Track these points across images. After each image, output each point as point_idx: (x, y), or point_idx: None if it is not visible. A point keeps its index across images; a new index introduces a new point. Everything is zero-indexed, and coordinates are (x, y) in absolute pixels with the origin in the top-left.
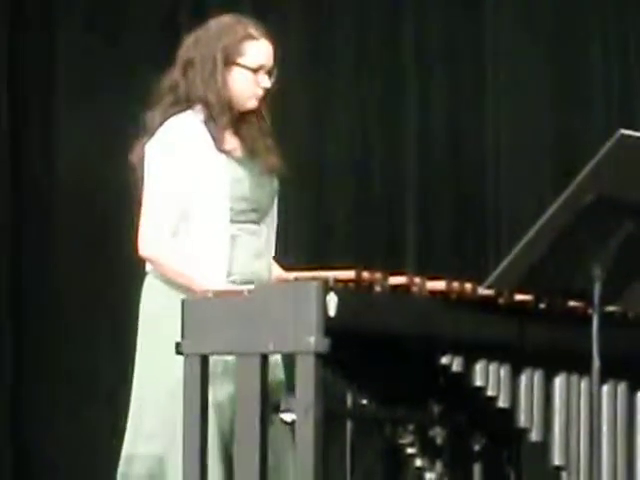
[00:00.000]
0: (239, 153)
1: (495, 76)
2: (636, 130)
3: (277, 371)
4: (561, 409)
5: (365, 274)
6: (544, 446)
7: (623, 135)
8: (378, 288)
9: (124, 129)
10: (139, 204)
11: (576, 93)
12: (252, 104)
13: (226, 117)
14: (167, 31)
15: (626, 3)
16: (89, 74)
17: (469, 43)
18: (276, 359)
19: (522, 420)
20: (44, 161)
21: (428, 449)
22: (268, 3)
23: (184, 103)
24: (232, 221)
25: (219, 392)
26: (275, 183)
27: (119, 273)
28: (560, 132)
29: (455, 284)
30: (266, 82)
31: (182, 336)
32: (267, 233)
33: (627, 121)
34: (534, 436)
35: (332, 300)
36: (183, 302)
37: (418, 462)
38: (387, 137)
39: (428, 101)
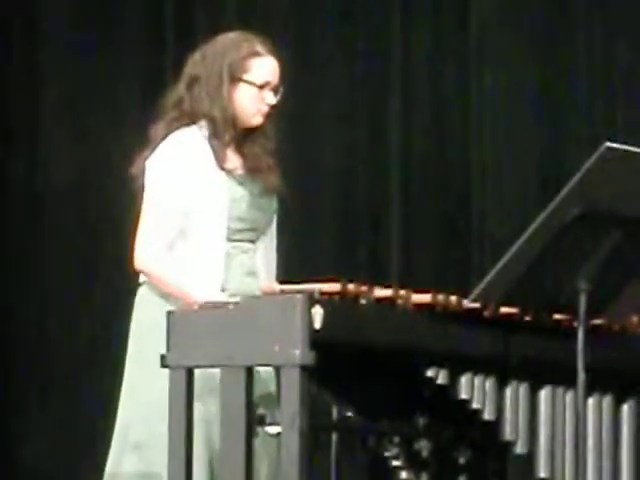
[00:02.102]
0: (240, 171)
1: (479, 91)
2: (621, 143)
3: (268, 384)
4: (547, 422)
5: (350, 287)
6: (530, 458)
7: (608, 148)
8: (363, 301)
9: (121, 141)
10: (137, 216)
11: (561, 107)
12: (257, 121)
13: (230, 134)
14: (153, 47)
15: (612, 17)
16: (75, 89)
17: (454, 57)
18: (268, 371)
19: (508, 433)
20: (31, 173)
21: (413, 462)
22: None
23: (188, 118)
24: (228, 239)
25: (208, 408)
26: (274, 203)
27: (112, 284)
28: (545, 146)
29: (440, 297)
30: (271, 99)
31: (167, 349)
32: (264, 252)
33: (612, 134)
34: (520, 448)
35: (318, 313)
36: (168, 314)
37: (403, 475)
38: (371, 151)
39: (411, 117)
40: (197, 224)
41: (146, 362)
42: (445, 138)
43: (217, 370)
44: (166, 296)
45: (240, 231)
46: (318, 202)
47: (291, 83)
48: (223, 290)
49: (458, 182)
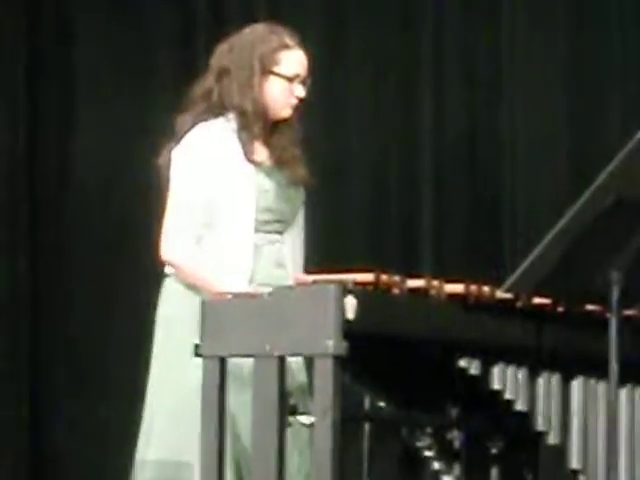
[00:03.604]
0: (267, 163)
1: (511, 74)
2: None
3: (298, 374)
4: (579, 413)
5: (384, 277)
6: (562, 449)
7: None
8: (396, 291)
9: (146, 131)
10: (163, 207)
11: (594, 92)
12: (286, 113)
13: (259, 126)
14: (185, 39)
15: None
16: (107, 79)
17: (486, 41)
18: (298, 362)
19: (540, 423)
20: (60, 162)
21: (445, 452)
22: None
23: (216, 110)
24: (256, 230)
25: (234, 399)
26: (301, 194)
27: (136, 275)
28: (578, 133)
29: (473, 287)
30: (300, 91)
31: (201, 338)
32: (291, 243)
33: None
34: (552, 439)
35: (350, 303)
36: (202, 303)
37: (435, 465)
38: (402, 137)
39: (443, 101)
40: (225, 216)
41: (174, 352)
42: (476, 127)
43: (243, 361)
44: (193, 287)
45: (268, 222)
46: (349, 192)
47: (322, 72)
48: (251, 281)
49: (490, 170)
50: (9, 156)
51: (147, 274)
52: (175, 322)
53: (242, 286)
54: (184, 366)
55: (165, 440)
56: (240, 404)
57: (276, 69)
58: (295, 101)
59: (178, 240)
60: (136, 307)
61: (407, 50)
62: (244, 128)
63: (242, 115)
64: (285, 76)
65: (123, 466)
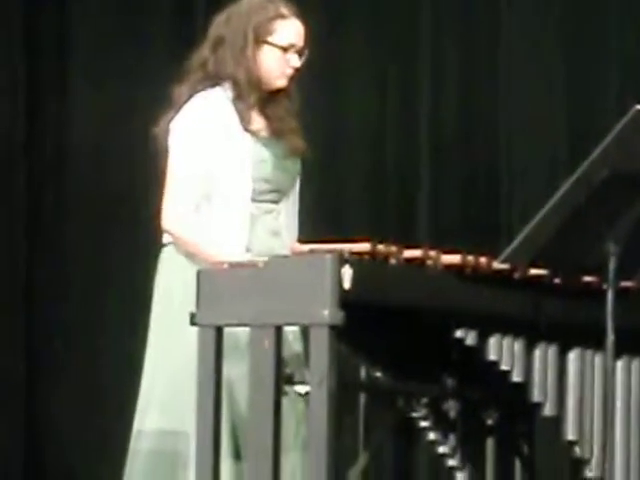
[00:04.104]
0: (264, 133)
1: (508, 53)
2: None
3: (294, 344)
4: (575, 384)
5: (380, 247)
6: (558, 420)
7: (639, 111)
8: (393, 261)
9: (142, 101)
10: (162, 176)
11: (591, 70)
12: (281, 83)
13: (254, 95)
14: (184, 8)
15: None
16: (104, 54)
17: (484, 24)
18: (294, 331)
19: (536, 394)
20: (59, 133)
21: (441, 423)
22: None
23: (213, 80)
24: (252, 200)
25: (231, 368)
26: (298, 165)
27: (135, 243)
28: (574, 109)
29: (470, 258)
30: (296, 61)
31: (197, 307)
32: (286, 213)
33: None
34: (548, 410)
35: (347, 273)
36: (198, 273)
37: (431, 435)
38: (400, 113)
39: (442, 78)
40: (222, 185)
41: (172, 321)
42: (474, 101)
43: (240, 331)
44: (191, 256)
45: (264, 192)
46: (347, 162)
47: (321, 47)
48: (248, 250)
49: (487, 143)
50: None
51: (145, 244)
52: (173, 291)
53: (239, 255)
54: (182, 335)
55: (163, 410)
56: (237, 373)
57: (270, 38)
58: (290, 71)
59: (178, 210)
60: (133, 277)
61: (406, 23)
62: (239, 98)
63: (236, 85)
64: (279, 45)
65: (122, 435)
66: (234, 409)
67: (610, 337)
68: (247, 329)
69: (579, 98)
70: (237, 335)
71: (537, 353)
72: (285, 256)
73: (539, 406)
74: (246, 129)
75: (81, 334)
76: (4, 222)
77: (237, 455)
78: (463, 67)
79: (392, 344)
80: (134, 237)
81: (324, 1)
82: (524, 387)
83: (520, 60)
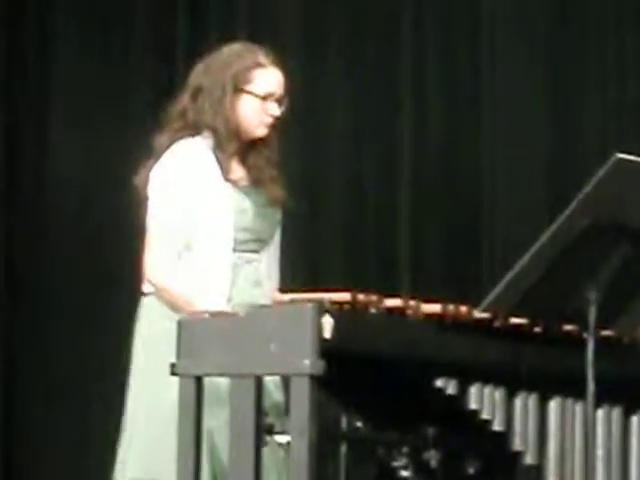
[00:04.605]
0: (244, 182)
1: (491, 94)
2: (632, 153)
3: (275, 393)
4: (556, 433)
5: (361, 296)
6: (539, 470)
7: (619, 159)
8: (373, 310)
9: (124, 150)
10: (141, 226)
11: (572, 114)
12: (261, 132)
13: (233, 145)
14: (165, 56)
15: (624, 20)
16: (85, 98)
17: (466, 61)
18: (275, 381)
19: (517, 443)
20: (38, 180)
21: (422, 472)
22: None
23: (192, 129)
24: (233, 250)
25: (212, 419)
26: (278, 214)
27: (114, 293)
28: (556, 154)
29: (450, 307)
30: (275, 110)
31: (177, 357)
32: (267, 262)
33: (622, 146)
34: (529, 459)
35: (327, 322)
36: (179, 322)
37: None
38: (381, 157)
39: (424, 122)
40: (203, 235)
41: (153, 371)
42: (457, 144)
43: (221, 380)
44: (172, 306)
45: (245, 242)
46: (327, 211)
47: (300, 89)
48: (229, 300)
49: (468, 192)
50: None
51: (125, 293)
52: (153, 341)
53: (221, 306)
54: (162, 385)
55: (143, 460)
56: (219, 423)
57: (249, 87)
58: (269, 120)
59: (161, 261)
60: (114, 325)
61: (387, 66)
62: (218, 147)
63: (215, 134)
64: (258, 94)
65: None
66: (215, 459)
67: (590, 386)
68: (227, 379)
69: (562, 140)
70: (218, 385)
71: (518, 402)
72: (266, 306)
73: (520, 455)
74: (226, 178)
75: (65, 382)
76: None
77: None
78: (445, 109)
79: (373, 393)
80: (117, 285)
81: (304, 45)
82: (505, 436)
83: (503, 104)
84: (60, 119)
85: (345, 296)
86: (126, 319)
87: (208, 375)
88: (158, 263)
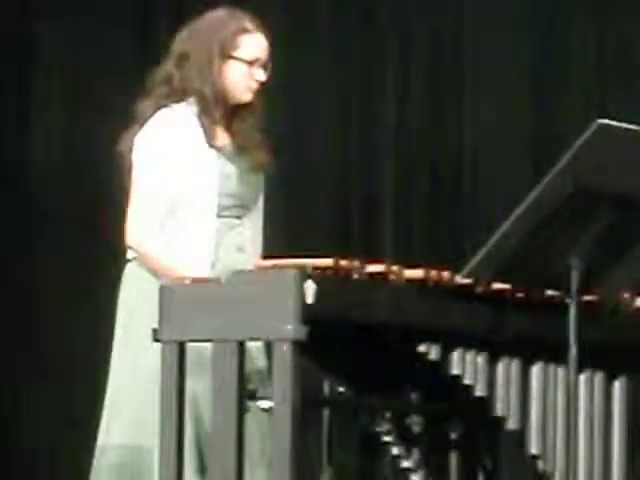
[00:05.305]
0: (229, 148)
1: (475, 67)
2: (613, 119)
3: (257, 359)
4: (538, 398)
5: (343, 262)
6: (521, 434)
7: (600, 125)
8: (356, 276)
9: (107, 116)
10: (126, 192)
11: (555, 85)
12: (247, 97)
13: (220, 111)
14: (146, 24)
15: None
16: (68, 63)
17: (450, 38)
18: (258, 346)
19: (499, 408)
20: (23, 145)
21: (405, 437)
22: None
23: (178, 95)
24: (217, 215)
25: (196, 385)
26: (262, 180)
27: (100, 259)
28: (539, 123)
29: (433, 272)
30: (261, 75)
31: (159, 323)
32: (250, 228)
33: (605, 111)
34: (511, 424)
35: (310, 287)
36: (161, 288)
37: (395, 450)
38: (365, 126)
39: (407, 96)
40: (187, 201)
41: (136, 336)
42: (439, 115)
43: (205, 345)
44: (155, 272)
45: (229, 207)
46: (311, 179)
47: (284, 54)
48: (213, 266)
49: (451, 157)
50: None
51: (110, 258)
52: (137, 307)
53: (205, 271)
54: (146, 351)
55: (127, 425)
56: (202, 388)
57: (235, 53)
58: (255, 85)
59: (143, 226)
60: (97, 291)
61: (372, 36)
62: (204, 113)
63: (202, 100)
64: (244, 60)
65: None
66: (199, 424)
67: (573, 351)
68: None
69: (544, 105)
70: (202, 350)
71: (500, 367)
72: (248, 271)
73: (502, 420)
74: (211, 144)
75: (50, 347)
76: None
77: (203, 471)
78: (428, 84)
79: (355, 359)
80: (99, 253)
81: (287, 13)
82: (487, 401)
83: (486, 77)
84: (44, 82)
85: (327, 262)
86: (111, 288)
87: (191, 341)
88: (141, 228)
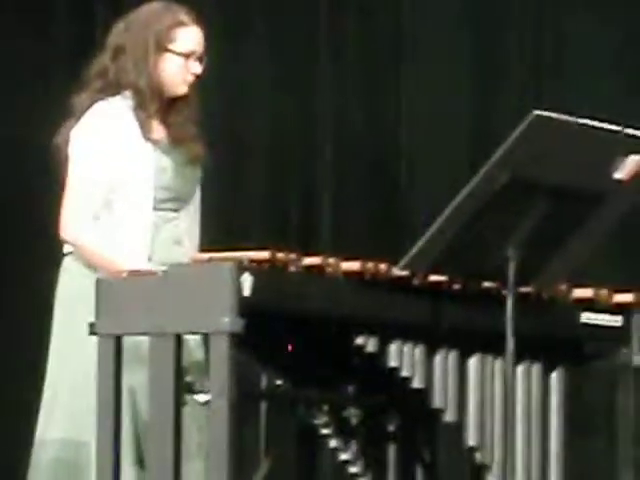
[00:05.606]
0: (165, 141)
1: (412, 64)
2: (549, 110)
3: (196, 352)
4: (476, 390)
5: (280, 254)
6: (459, 426)
7: (537, 115)
8: (293, 268)
9: (45, 110)
10: (62, 186)
11: (492, 75)
12: (182, 90)
13: (155, 104)
14: (82, 17)
15: None
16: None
17: (387, 35)
18: (196, 339)
19: (437, 400)
20: None
21: (343, 430)
22: None
23: (113, 89)
24: (153, 209)
25: (133, 378)
26: (198, 172)
27: (37, 254)
28: (476, 113)
29: (369, 265)
30: (197, 68)
31: (96, 316)
32: (187, 221)
33: (539, 102)
34: (449, 417)
35: (247, 280)
36: (97, 281)
37: (333, 443)
38: (303, 116)
39: (344, 84)
40: (123, 195)
41: (74, 330)
42: (376, 111)
43: (142, 339)
44: (91, 267)
45: (165, 201)
46: (248, 171)
47: (220, 47)
48: (149, 259)
49: (390, 150)
50: None
51: (45, 254)
52: (74, 301)
53: (141, 264)
54: (84, 345)
55: (65, 419)
56: (140, 381)
57: (171, 46)
58: (191, 78)
59: (77, 219)
60: (34, 287)
61: (306, 25)
62: (140, 106)
63: (138, 93)
64: (180, 53)
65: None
66: (137, 417)
67: (510, 343)
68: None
69: (482, 98)
70: (139, 343)
71: (437, 359)
72: (184, 264)
73: (440, 412)
74: (147, 138)
75: None
76: None
77: (141, 463)
78: (365, 76)
79: (292, 351)
80: (35, 248)
81: (220, 5)
82: (425, 393)
83: (424, 66)
84: None
85: (264, 254)
86: (48, 282)
87: (127, 334)
88: (75, 220)
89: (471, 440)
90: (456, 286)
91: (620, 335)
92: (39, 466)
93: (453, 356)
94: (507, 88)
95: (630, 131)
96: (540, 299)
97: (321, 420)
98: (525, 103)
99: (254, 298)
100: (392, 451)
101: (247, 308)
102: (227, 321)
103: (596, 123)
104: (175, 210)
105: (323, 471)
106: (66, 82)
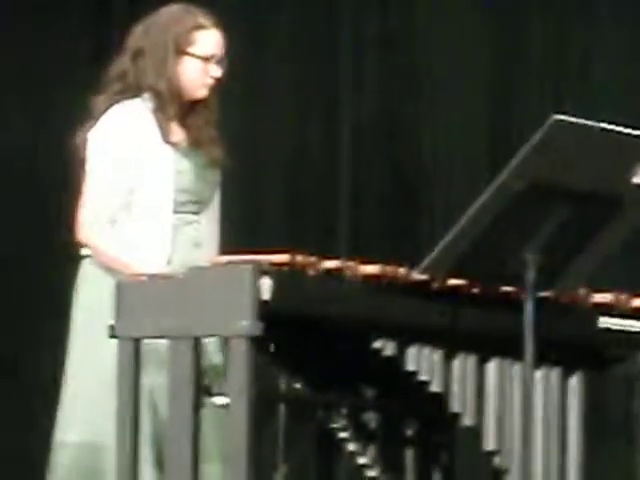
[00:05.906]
0: (184, 144)
1: (430, 62)
2: (569, 115)
3: (214, 355)
4: (494, 394)
5: (299, 258)
6: (477, 431)
7: (556, 120)
8: (312, 272)
9: (63, 113)
10: (79, 188)
11: (513, 79)
12: (202, 93)
13: (175, 107)
14: (101, 20)
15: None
16: (23, 60)
17: (404, 25)
18: (215, 343)
19: (455, 405)
20: None
21: (361, 433)
22: None
23: (133, 91)
24: (173, 211)
25: (153, 380)
26: (217, 175)
27: (56, 256)
28: (496, 118)
29: (388, 268)
30: (216, 71)
31: (116, 319)
32: (206, 223)
33: (561, 107)
34: (467, 421)
35: (266, 283)
36: (117, 284)
37: (351, 446)
38: (322, 121)
39: (363, 86)
40: (142, 197)
41: (93, 334)
42: (397, 108)
43: (161, 342)
44: (109, 270)
45: (185, 203)
46: (267, 174)
47: (240, 51)
48: (169, 262)
49: (410, 155)
50: None
51: (63, 256)
52: (93, 304)
53: (160, 268)
54: (103, 348)
55: (85, 422)
56: (159, 383)
57: (191, 49)
58: (211, 81)
59: (94, 221)
60: (52, 290)
61: (327, 33)
62: (160, 109)
63: (157, 96)
64: (200, 56)
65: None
66: (157, 419)
67: (529, 347)
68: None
69: (501, 101)
70: (158, 346)
71: (456, 363)
72: (204, 267)
73: (459, 416)
74: (166, 140)
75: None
76: None
77: (160, 465)
78: (384, 71)
79: (311, 355)
80: (55, 249)
81: (243, 11)
82: (443, 397)
83: (443, 71)
84: None
85: (283, 257)
86: (66, 285)
87: (146, 337)
88: (92, 223)
89: (489, 444)
90: (475, 290)
91: (639, 340)
92: (58, 469)
93: (472, 360)
94: (527, 89)
95: None
96: (559, 304)
97: (339, 423)
98: (545, 103)
99: (273, 301)
100: (410, 455)
101: (266, 311)
102: (246, 324)
103: (616, 127)
104: (195, 213)
105: (341, 474)
106: (85, 85)
